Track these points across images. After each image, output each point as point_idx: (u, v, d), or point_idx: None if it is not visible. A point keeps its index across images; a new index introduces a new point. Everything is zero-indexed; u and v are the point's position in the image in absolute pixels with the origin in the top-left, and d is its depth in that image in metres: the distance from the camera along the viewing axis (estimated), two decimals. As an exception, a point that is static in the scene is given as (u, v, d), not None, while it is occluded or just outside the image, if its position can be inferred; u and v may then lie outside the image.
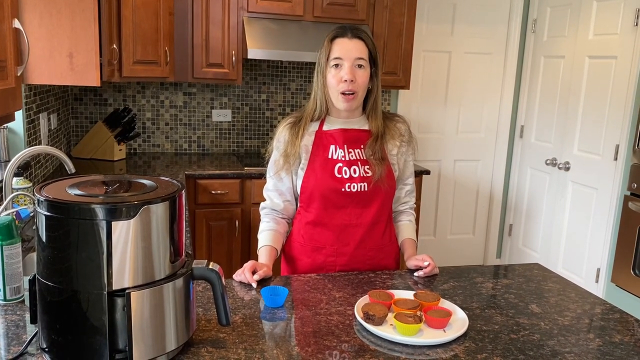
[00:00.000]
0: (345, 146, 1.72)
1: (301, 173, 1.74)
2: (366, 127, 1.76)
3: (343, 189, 1.70)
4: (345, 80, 1.65)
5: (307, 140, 1.75)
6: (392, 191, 1.79)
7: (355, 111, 1.76)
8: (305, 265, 1.78)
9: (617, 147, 3.32)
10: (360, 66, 1.67)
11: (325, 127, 1.76)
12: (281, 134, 1.77)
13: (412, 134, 1.84)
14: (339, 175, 1.70)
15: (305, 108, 1.79)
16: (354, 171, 1.71)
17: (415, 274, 1.69)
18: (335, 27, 1.74)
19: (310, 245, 1.77)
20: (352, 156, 1.72)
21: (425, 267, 1.67)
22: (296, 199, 1.81)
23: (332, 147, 1.72)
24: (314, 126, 1.76)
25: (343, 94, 1.67)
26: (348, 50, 1.67)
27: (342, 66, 1.66)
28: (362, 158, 1.73)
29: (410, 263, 1.72)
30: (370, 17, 3.54)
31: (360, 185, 1.71)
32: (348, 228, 1.73)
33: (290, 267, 1.83)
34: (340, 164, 1.71)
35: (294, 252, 1.81)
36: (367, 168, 1.72)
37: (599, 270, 3.50)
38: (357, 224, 1.73)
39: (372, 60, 1.71)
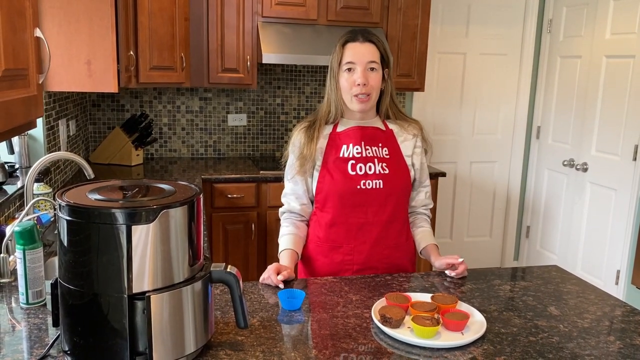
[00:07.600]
0: (363, 142, 1.74)
1: (316, 174, 1.76)
2: (381, 127, 1.79)
3: (358, 187, 1.71)
4: (359, 84, 1.68)
5: (322, 142, 1.77)
6: (409, 189, 1.80)
7: (370, 112, 1.78)
8: (323, 265, 1.78)
9: (636, 147, 3.28)
10: (372, 69, 1.70)
11: (339, 129, 1.78)
12: (296, 137, 1.79)
13: (427, 136, 1.86)
14: (353, 173, 1.72)
15: (318, 111, 1.81)
16: (369, 168, 1.72)
17: (448, 272, 1.68)
18: (346, 31, 1.76)
19: (327, 245, 1.77)
20: (368, 152, 1.74)
21: (459, 264, 1.65)
22: (312, 201, 1.82)
23: (344, 146, 1.74)
24: (328, 129, 1.79)
25: (356, 96, 1.70)
26: (360, 55, 1.69)
27: (355, 70, 1.69)
28: (379, 155, 1.74)
29: (442, 262, 1.69)
30: (385, 20, 3.54)
31: (376, 182, 1.72)
32: (365, 226, 1.74)
33: (307, 267, 1.84)
34: (353, 161, 1.73)
35: (311, 252, 1.81)
36: (385, 165, 1.74)
37: (619, 272, 3.45)
38: (374, 222, 1.74)
39: (384, 62, 1.73)
